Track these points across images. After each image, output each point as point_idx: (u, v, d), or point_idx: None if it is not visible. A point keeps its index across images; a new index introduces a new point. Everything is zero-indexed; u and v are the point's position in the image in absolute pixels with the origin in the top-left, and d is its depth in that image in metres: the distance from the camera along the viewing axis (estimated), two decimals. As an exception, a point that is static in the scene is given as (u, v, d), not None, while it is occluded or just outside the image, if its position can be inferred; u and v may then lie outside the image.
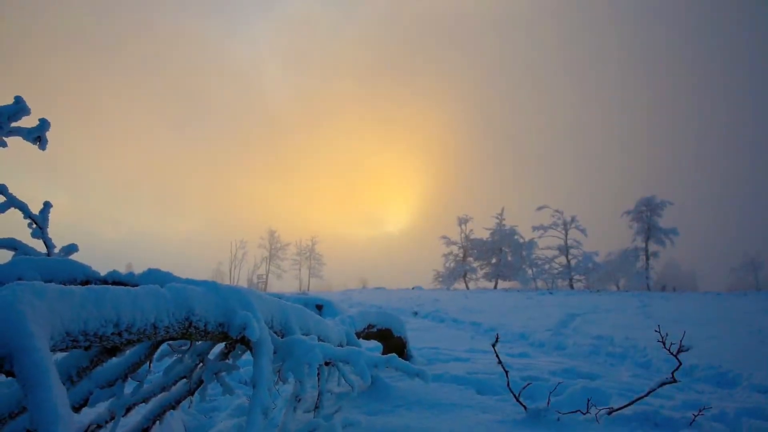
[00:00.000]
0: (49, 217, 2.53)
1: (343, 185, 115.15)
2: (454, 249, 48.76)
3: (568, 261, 43.46)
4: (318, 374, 3.41)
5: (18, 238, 2.30)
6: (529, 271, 44.70)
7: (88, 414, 3.93)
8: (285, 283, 59.90)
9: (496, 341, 3.85)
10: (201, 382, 2.65)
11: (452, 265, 48.29)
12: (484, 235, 48.03)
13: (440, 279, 48.68)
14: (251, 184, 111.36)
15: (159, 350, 2.53)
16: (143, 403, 2.71)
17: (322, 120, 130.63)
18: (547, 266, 44.30)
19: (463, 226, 48.53)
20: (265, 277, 58.46)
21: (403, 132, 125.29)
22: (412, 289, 35.41)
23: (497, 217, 47.08)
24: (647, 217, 41.49)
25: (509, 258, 46.22)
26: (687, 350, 3.49)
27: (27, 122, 2.13)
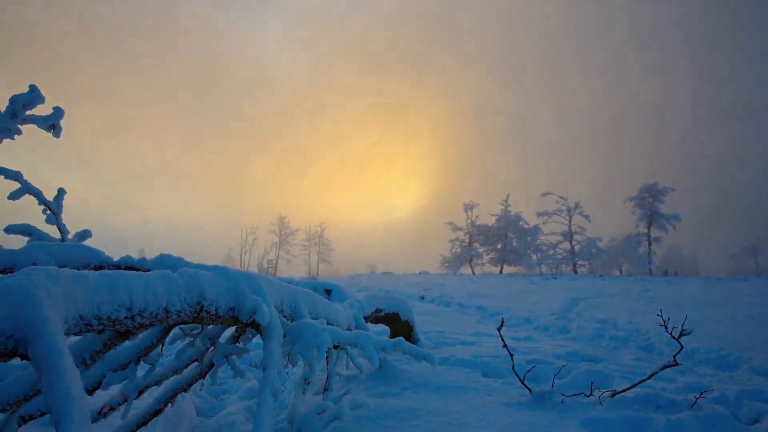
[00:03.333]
0: (63, 203, 2.56)
1: (353, 172, 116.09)
2: (461, 235, 49.30)
3: (572, 246, 43.92)
4: (327, 357, 3.46)
5: (32, 224, 2.33)
6: (534, 257, 44.68)
7: (102, 396, 4.02)
8: (294, 268, 60.49)
9: (502, 325, 3.88)
10: (212, 365, 2.70)
11: (458, 250, 48.94)
12: (490, 221, 48.05)
13: (447, 264, 49.14)
14: (262, 171, 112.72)
15: (171, 334, 2.58)
16: (155, 386, 2.77)
17: (332, 108, 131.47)
18: (551, 252, 44.48)
19: (469, 212, 49.09)
20: (275, 262, 59.15)
21: (411, 119, 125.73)
22: (419, 274, 35.53)
23: (503, 204, 47.61)
24: (649, 203, 41.68)
25: (514, 243, 46.27)
26: (688, 334, 3.51)
27: (41, 110, 2.15)
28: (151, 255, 2.35)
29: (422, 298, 14.99)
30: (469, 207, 49.04)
